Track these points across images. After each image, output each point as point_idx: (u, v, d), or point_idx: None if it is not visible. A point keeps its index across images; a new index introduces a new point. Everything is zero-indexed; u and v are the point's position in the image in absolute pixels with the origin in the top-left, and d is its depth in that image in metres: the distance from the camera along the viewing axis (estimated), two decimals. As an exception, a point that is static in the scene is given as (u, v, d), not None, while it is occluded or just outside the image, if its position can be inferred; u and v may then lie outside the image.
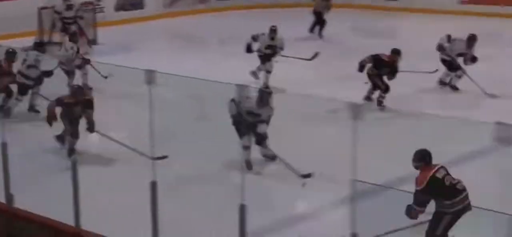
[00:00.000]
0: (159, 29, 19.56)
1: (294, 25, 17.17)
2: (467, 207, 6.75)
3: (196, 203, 7.98)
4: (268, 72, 13.41)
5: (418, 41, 16.70)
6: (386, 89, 11.73)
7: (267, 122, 8.87)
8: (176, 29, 19.86)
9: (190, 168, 8.98)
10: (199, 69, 13.53)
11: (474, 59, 13.00)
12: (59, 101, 9.51)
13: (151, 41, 17.39)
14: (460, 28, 18.43)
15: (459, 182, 6.81)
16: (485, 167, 9.10)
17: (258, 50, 13.48)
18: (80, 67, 12.80)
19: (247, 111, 8.78)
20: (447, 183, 6.72)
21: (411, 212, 6.73)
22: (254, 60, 14.52)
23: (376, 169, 7.98)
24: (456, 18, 19.97)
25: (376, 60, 11.60)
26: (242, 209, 5.07)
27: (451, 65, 13.15)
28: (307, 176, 8.51)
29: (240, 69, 13.25)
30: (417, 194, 6.66)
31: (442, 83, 13.34)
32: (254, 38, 13.49)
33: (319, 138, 10.03)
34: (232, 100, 8.72)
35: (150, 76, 5.78)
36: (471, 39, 13.17)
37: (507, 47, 12.63)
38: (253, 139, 8.97)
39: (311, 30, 18.67)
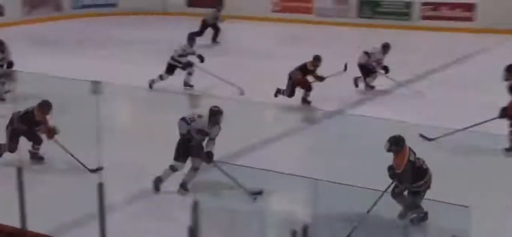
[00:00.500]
0: (19, 34, 18.50)
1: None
2: (429, 184, 6.61)
3: (57, 186, 7.69)
4: (190, 74, 12.18)
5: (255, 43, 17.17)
6: (309, 88, 11.27)
7: (214, 140, 7.63)
8: (35, 34, 18.97)
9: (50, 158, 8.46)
10: (55, 67, 13.00)
11: (385, 69, 12.33)
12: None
13: (11, 45, 16.48)
14: (273, 32, 19.08)
15: (424, 161, 6.66)
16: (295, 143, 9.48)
17: (174, 59, 12.09)
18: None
19: (197, 129, 7.58)
20: (418, 164, 6.56)
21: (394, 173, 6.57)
22: (104, 59, 14.12)
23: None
24: (270, 23, 20.64)
25: (303, 69, 11.18)
26: (100, 187, 4.93)
27: (369, 71, 12.34)
28: (258, 193, 7.43)
29: (95, 68, 12.69)
30: (398, 175, 6.47)
31: (368, 86, 12.56)
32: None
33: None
34: (183, 118, 7.60)
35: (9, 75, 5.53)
36: (386, 47, 12.42)
37: (312, 47, 12.85)
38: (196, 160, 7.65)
39: (213, 40, 17.16)
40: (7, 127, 8.28)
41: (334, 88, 11.54)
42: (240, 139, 9.04)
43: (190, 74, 12.15)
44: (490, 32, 17.92)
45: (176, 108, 8.78)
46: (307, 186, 6.64)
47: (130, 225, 6.72)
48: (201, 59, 12.10)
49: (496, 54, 14.52)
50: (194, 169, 7.58)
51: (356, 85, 12.46)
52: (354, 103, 11.64)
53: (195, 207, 4.39)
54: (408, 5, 19.79)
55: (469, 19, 18.91)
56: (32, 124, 8.23)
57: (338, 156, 8.49)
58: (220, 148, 7.54)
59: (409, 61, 14.55)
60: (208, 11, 17.45)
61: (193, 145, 7.52)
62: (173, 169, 7.56)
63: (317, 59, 11.19)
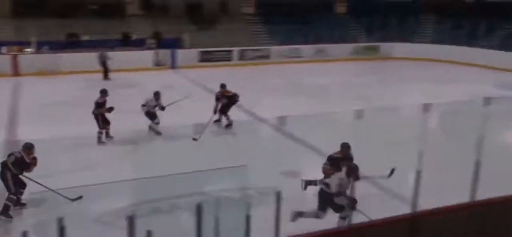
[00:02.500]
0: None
1: None
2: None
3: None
4: None
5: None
6: (108, 124, 11.47)
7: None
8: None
9: None
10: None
11: (163, 108, 12.09)
12: None
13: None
14: None
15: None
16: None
17: None
18: None
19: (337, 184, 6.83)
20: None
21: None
22: None
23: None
24: None
25: (99, 104, 11.32)
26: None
27: (153, 115, 12.03)
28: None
29: None
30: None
31: (153, 130, 12.11)
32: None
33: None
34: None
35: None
36: (157, 94, 12.09)
37: None
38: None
39: None
40: None
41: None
42: None
43: None
44: None
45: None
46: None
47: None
48: None
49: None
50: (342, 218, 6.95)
51: (156, 133, 12.10)
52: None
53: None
54: None
55: None
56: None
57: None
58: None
59: None
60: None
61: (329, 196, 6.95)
62: (316, 215, 6.93)
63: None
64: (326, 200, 6.98)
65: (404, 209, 6.53)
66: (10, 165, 7.51)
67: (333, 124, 13.62)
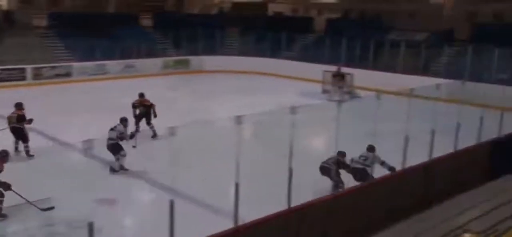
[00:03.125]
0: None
1: None
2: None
3: None
4: None
5: None
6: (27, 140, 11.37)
7: None
8: None
9: None
10: None
11: (132, 136, 11.88)
12: None
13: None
14: None
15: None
16: None
17: None
18: None
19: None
20: None
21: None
22: None
23: None
24: None
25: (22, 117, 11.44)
26: None
27: (119, 148, 11.09)
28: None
29: None
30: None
31: (113, 170, 10.95)
32: None
33: None
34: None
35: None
36: (125, 120, 11.64)
37: None
38: None
39: None
40: None
41: None
42: None
43: None
44: None
45: None
46: None
47: None
48: None
49: None
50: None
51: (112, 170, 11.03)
52: None
53: None
54: None
55: None
56: None
57: None
58: None
59: None
60: None
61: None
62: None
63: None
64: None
65: (226, 224, 6.67)
66: None
67: (145, 142, 13.37)
